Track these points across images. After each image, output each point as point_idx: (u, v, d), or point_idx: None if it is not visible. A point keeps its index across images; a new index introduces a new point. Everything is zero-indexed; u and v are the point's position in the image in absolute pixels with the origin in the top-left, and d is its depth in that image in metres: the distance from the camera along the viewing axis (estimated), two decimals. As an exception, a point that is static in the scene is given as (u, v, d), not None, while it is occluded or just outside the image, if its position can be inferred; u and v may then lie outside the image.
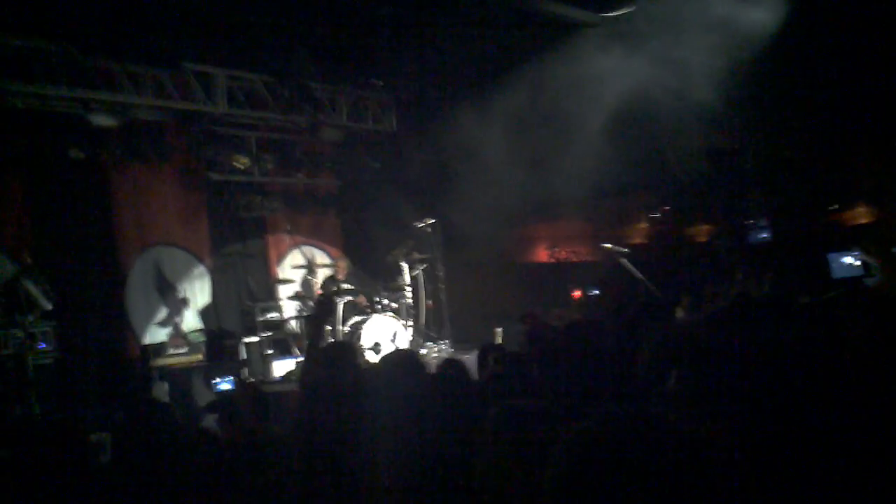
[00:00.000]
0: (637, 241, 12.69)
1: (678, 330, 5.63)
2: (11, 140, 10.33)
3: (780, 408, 3.36)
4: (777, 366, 3.89)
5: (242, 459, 4.49)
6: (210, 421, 7.44)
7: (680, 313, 9.67)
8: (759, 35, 9.46)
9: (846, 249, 9.28)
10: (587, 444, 2.21)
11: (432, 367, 6.59)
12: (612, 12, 10.76)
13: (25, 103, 10.47)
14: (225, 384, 9.09)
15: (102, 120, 10.80)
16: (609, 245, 10.21)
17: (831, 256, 9.18)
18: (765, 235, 11.87)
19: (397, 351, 8.62)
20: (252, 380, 10.71)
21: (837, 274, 9.11)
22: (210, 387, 9.77)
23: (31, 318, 9.68)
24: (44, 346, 9.81)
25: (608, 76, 10.45)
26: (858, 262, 9.16)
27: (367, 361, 5.19)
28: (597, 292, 12.25)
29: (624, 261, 9.90)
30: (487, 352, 5.79)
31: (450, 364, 4.79)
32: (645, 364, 4.70)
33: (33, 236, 10.75)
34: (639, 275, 9.78)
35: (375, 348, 10.57)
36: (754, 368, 4.01)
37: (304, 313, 11.98)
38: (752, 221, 12.00)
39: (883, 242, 10.11)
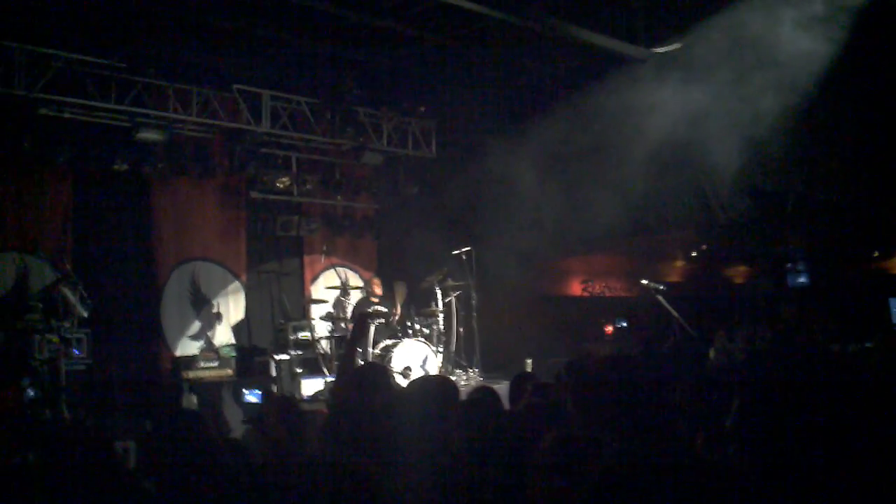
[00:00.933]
0: (673, 278, 12.59)
1: (715, 370, 5.59)
2: (59, 150, 10.49)
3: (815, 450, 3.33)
4: (816, 410, 3.84)
5: (269, 474, 4.47)
6: (242, 432, 7.48)
7: (713, 353, 9.60)
8: (807, 76, 9.41)
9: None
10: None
11: (462, 394, 6.54)
12: (660, 48, 10.76)
13: (74, 115, 10.65)
14: (252, 396, 9.12)
15: (148, 134, 10.98)
16: (647, 281, 10.14)
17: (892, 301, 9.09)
18: (803, 280, 11.72)
19: (431, 375, 8.59)
20: (282, 393, 10.72)
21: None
22: (239, 400, 9.81)
23: (67, 324, 9.79)
24: (78, 352, 9.93)
25: (652, 111, 10.46)
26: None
27: (398, 385, 5.17)
28: (624, 324, 12.17)
29: (660, 297, 9.83)
30: (523, 380, 5.74)
31: (483, 391, 4.75)
32: (682, 401, 4.66)
33: (74, 244, 10.95)
34: (674, 312, 9.70)
35: (405, 373, 10.55)
36: (794, 409, 3.95)
37: (336, 334, 11.99)
38: (790, 265, 11.87)
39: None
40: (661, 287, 9.99)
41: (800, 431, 3.71)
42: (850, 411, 3.97)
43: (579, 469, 3.00)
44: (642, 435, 4.29)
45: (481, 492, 3.85)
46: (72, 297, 9.81)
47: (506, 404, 5.38)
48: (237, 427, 8.60)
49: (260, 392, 9.35)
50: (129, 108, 10.85)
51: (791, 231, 11.76)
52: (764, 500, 3.02)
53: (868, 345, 8.49)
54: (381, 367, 6.22)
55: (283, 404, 5.12)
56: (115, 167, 10.97)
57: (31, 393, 9.05)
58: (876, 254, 11.21)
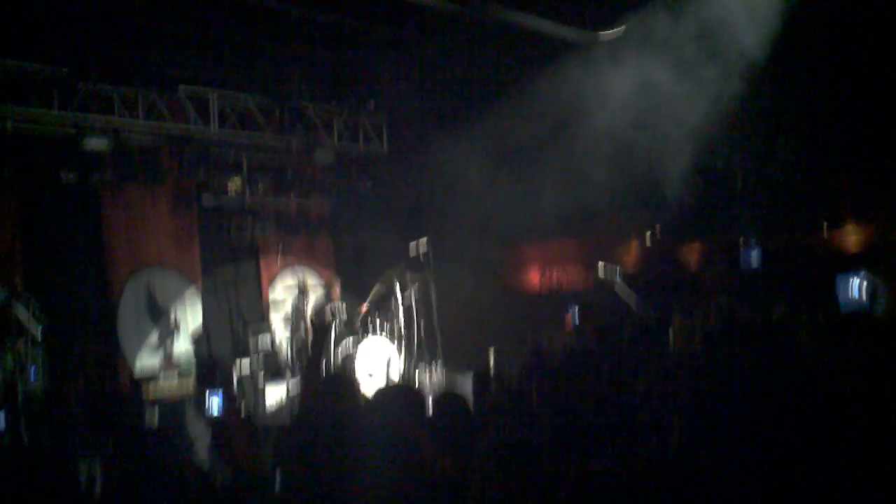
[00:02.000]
0: (629, 260, 12.69)
1: (676, 359, 5.64)
2: (3, 162, 10.27)
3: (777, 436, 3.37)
4: (772, 394, 3.90)
5: (233, 491, 4.44)
6: (202, 450, 7.41)
7: (671, 335, 9.68)
8: (754, 53, 9.51)
9: (853, 271, 9.22)
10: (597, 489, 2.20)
11: (427, 392, 6.50)
12: (605, 32, 10.81)
13: (17, 125, 10.44)
14: (215, 397, 9.04)
15: (95, 143, 10.79)
16: (602, 269, 10.20)
17: (840, 278, 9.12)
18: (755, 253, 11.87)
19: (395, 385, 8.56)
20: (241, 411, 10.62)
21: (843, 299, 9.04)
22: (202, 415, 9.72)
23: (20, 343, 9.60)
24: (34, 371, 9.73)
25: (600, 97, 10.49)
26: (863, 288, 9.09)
27: (364, 396, 5.13)
28: (577, 322, 12.19)
29: (619, 281, 9.90)
30: (485, 381, 5.75)
31: (449, 398, 4.73)
32: (644, 395, 4.71)
33: (24, 260, 10.71)
34: (632, 302, 9.78)
35: (370, 377, 10.53)
36: (752, 397, 4.00)
37: (297, 335, 11.91)
38: (742, 239, 12.02)
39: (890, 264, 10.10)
40: (618, 278, 10.05)
41: (746, 416, 3.78)
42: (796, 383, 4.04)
43: (516, 474, 3.01)
44: (605, 433, 4.33)
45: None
46: (24, 315, 9.63)
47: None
48: (201, 443, 8.53)
49: (219, 393, 9.23)
50: (74, 114, 10.63)
51: (742, 207, 11.91)
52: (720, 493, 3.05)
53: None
54: (345, 379, 6.18)
55: (247, 426, 5.07)
56: (63, 178, 10.77)
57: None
58: (825, 224, 11.38)
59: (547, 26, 10.65)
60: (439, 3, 10.01)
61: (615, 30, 10.90)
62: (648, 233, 13.29)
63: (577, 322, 11.29)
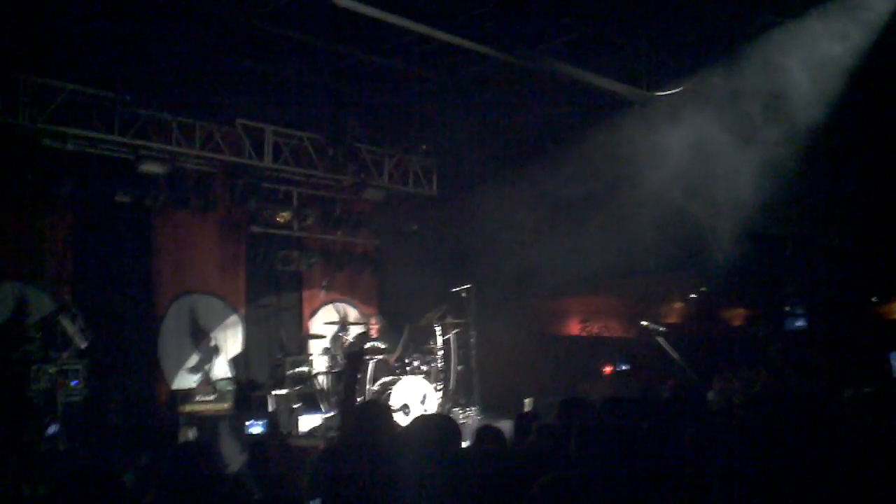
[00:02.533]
0: (672, 320, 12.59)
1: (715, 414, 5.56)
2: (62, 181, 10.50)
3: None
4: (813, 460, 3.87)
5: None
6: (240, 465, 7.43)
7: (711, 396, 9.57)
8: (809, 120, 9.49)
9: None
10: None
11: (464, 432, 6.46)
12: (662, 91, 10.84)
13: (77, 146, 10.69)
14: (255, 428, 9.08)
15: (150, 167, 11.01)
16: (647, 323, 10.13)
17: (892, 355, 9.06)
18: (801, 324, 11.73)
19: (432, 414, 8.51)
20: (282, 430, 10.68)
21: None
22: (237, 434, 9.75)
23: (65, 354, 9.75)
24: (75, 383, 9.87)
25: (653, 154, 10.50)
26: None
27: (398, 423, 5.15)
28: (626, 367, 12.14)
29: (661, 339, 9.82)
30: (528, 420, 5.72)
31: (488, 431, 4.73)
32: (687, 449, 4.65)
33: (74, 275, 10.90)
34: (675, 354, 9.69)
35: (404, 409, 10.50)
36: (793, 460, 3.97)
37: (334, 369, 11.95)
38: (788, 308, 11.88)
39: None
40: (662, 329, 9.99)
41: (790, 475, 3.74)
42: (842, 456, 3.99)
43: None
44: (647, 481, 4.28)
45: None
46: (70, 328, 9.78)
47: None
48: (234, 461, 8.56)
49: (262, 423, 9.32)
50: (133, 141, 10.90)
51: (790, 275, 11.79)
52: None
53: (866, 390, 8.44)
54: (381, 405, 6.19)
55: (286, 441, 5.10)
56: (117, 199, 10.99)
57: (52, 430, 9.01)
58: (875, 299, 11.23)
59: (603, 82, 10.72)
60: (499, 52, 10.12)
61: (672, 90, 10.94)
62: (693, 295, 13.20)
63: (620, 368, 11.24)
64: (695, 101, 10.42)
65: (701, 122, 10.29)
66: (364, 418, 5.06)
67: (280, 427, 10.68)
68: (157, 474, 4.84)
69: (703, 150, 10.08)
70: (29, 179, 10.22)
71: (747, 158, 9.89)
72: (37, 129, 10.09)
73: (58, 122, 10.27)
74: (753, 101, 9.80)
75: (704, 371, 10.20)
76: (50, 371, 9.63)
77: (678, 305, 13.25)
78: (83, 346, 9.83)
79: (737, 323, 12.98)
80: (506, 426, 6.71)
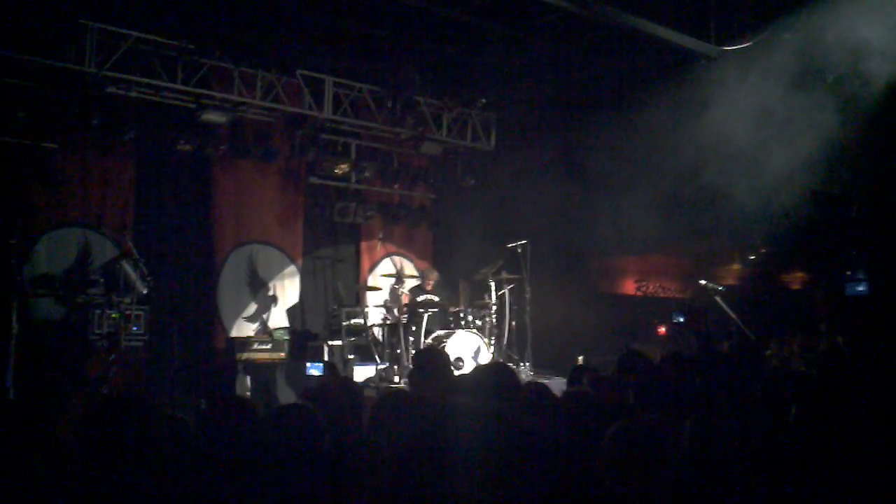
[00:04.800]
0: (730, 282, 12.43)
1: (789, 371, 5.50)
2: (125, 128, 10.64)
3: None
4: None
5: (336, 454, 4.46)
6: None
7: (768, 354, 9.48)
8: (879, 79, 9.22)
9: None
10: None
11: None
12: (730, 46, 10.60)
13: (141, 94, 10.81)
14: (314, 370, 9.20)
15: (212, 116, 11.10)
16: (705, 281, 10.01)
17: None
18: (862, 289, 11.50)
19: (492, 362, 8.55)
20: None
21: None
22: (294, 382, 9.88)
23: (127, 300, 9.94)
24: (136, 328, 10.08)
25: (717, 111, 10.29)
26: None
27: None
28: (681, 319, 12.04)
29: (719, 299, 9.70)
30: (581, 371, 5.71)
31: (536, 386, 4.71)
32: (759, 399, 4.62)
33: (136, 222, 11.09)
34: (732, 314, 9.57)
35: (457, 363, 10.55)
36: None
37: (389, 321, 12.05)
38: (849, 273, 11.64)
39: None
40: (720, 288, 9.86)
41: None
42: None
43: (650, 459, 2.96)
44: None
45: (541, 486, 3.83)
46: (132, 274, 9.95)
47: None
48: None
49: (322, 364, 9.43)
50: (195, 90, 10.98)
51: (853, 238, 11.54)
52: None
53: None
54: (438, 351, 6.23)
55: (346, 380, 5.15)
56: (179, 147, 11.11)
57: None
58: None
59: (671, 35, 10.50)
60: (563, 3, 9.94)
61: (740, 44, 10.68)
62: (752, 256, 13.02)
63: (676, 320, 11.15)
64: (764, 57, 10.17)
65: (768, 77, 10.05)
66: (422, 363, 5.10)
67: (337, 370, 10.81)
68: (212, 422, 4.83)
69: (768, 106, 9.86)
70: (93, 126, 10.37)
71: (814, 116, 9.64)
72: (102, 75, 10.19)
73: (122, 70, 10.35)
74: (823, 56, 9.53)
75: (762, 333, 10.08)
76: (113, 316, 9.84)
77: (736, 267, 13.08)
78: (144, 291, 10.00)
79: (795, 287, 12.79)
80: (558, 383, 6.71)
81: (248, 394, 10.54)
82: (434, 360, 5.16)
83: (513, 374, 4.59)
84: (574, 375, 5.75)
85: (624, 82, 12.06)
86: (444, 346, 10.79)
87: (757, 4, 10.49)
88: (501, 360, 11.12)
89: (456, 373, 10.21)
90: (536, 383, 5.18)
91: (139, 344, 10.11)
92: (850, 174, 10.50)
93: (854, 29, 9.36)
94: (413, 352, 10.45)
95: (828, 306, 11.66)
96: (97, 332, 9.86)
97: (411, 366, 5.14)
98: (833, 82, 9.55)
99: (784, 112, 9.71)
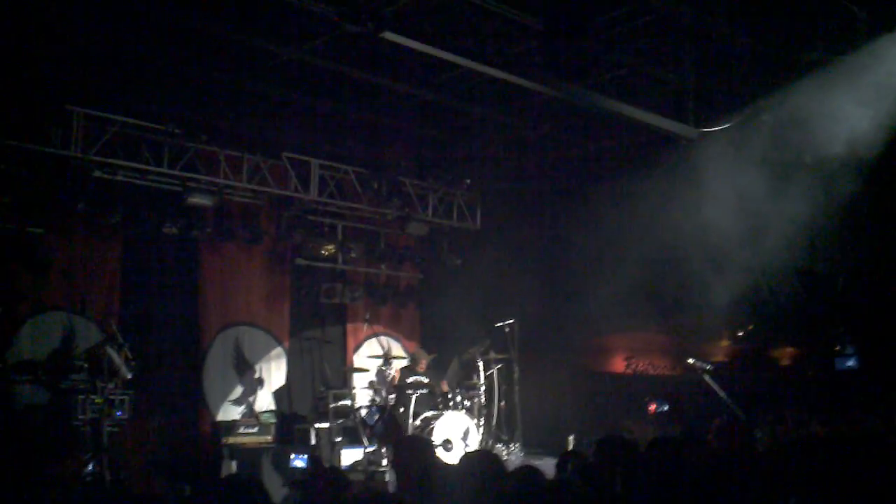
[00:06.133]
0: (718, 358, 12.38)
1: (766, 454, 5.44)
2: (111, 212, 10.66)
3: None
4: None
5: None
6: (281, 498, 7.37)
7: (759, 434, 9.37)
8: (860, 157, 9.33)
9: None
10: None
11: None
12: (709, 127, 10.74)
13: (127, 178, 10.86)
14: (299, 461, 9.06)
15: (198, 199, 11.14)
16: (693, 360, 9.96)
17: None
18: (851, 364, 11.47)
19: (479, 450, 8.44)
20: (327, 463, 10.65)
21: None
22: (280, 467, 9.72)
23: (111, 385, 9.81)
24: (120, 413, 9.92)
25: (698, 191, 10.37)
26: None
27: (441, 459, 5.11)
28: (666, 409, 11.92)
29: (707, 377, 9.65)
30: (567, 458, 5.65)
31: (526, 471, 4.65)
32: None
33: (122, 305, 11.04)
34: (722, 393, 9.51)
35: (446, 445, 10.42)
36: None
37: (377, 403, 11.92)
38: (838, 348, 11.63)
39: None
40: (708, 366, 9.81)
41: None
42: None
43: None
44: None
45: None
46: (117, 359, 9.83)
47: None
48: (276, 493, 8.54)
49: (306, 457, 9.31)
50: (181, 174, 11.05)
51: (840, 314, 11.55)
52: None
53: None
54: (424, 440, 6.15)
55: (332, 474, 5.07)
56: (165, 230, 11.12)
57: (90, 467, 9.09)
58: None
59: (650, 118, 10.65)
60: (545, 88, 10.10)
61: (720, 126, 10.82)
62: (740, 333, 12.98)
63: (663, 409, 11.04)
64: (742, 138, 10.30)
65: (749, 158, 10.16)
66: (408, 449, 5.04)
67: (322, 461, 10.65)
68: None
69: (751, 187, 9.95)
70: (79, 210, 10.38)
71: (797, 196, 9.73)
72: (88, 160, 10.25)
73: (108, 154, 10.42)
74: (802, 136, 9.66)
75: (752, 411, 10.00)
76: (96, 401, 9.70)
77: (725, 344, 13.04)
78: (129, 376, 9.87)
79: (785, 363, 12.74)
80: (549, 464, 6.63)
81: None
82: (419, 447, 5.10)
83: (499, 463, 4.54)
84: (560, 463, 5.68)
85: (607, 163, 12.19)
86: (432, 428, 10.68)
87: (735, 86, 10.66)
88: (487, 449, 10.98)
89: (444, 455, 10.11)
90: (528, 467, 5.11)
91: (123, 429, 9.96)
92: (832, 252, 10.57)
93: (831, 110, 9.52)
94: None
95: (818, 382, 11.61)
96: (80, 417, 9.70)
97: (393, 457, 5.06)
98: (811, 163, 9.65)
99: (764, 192, 9.81)
